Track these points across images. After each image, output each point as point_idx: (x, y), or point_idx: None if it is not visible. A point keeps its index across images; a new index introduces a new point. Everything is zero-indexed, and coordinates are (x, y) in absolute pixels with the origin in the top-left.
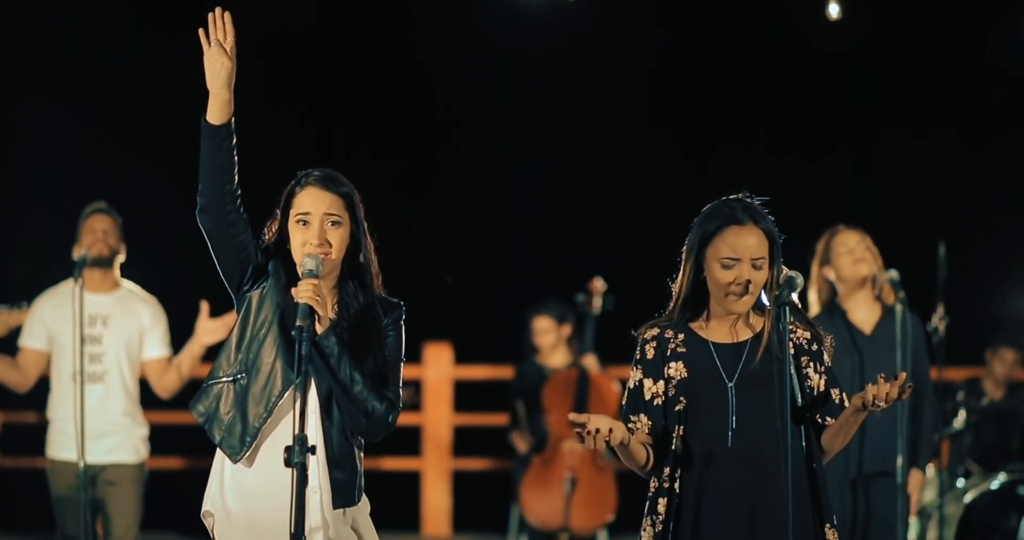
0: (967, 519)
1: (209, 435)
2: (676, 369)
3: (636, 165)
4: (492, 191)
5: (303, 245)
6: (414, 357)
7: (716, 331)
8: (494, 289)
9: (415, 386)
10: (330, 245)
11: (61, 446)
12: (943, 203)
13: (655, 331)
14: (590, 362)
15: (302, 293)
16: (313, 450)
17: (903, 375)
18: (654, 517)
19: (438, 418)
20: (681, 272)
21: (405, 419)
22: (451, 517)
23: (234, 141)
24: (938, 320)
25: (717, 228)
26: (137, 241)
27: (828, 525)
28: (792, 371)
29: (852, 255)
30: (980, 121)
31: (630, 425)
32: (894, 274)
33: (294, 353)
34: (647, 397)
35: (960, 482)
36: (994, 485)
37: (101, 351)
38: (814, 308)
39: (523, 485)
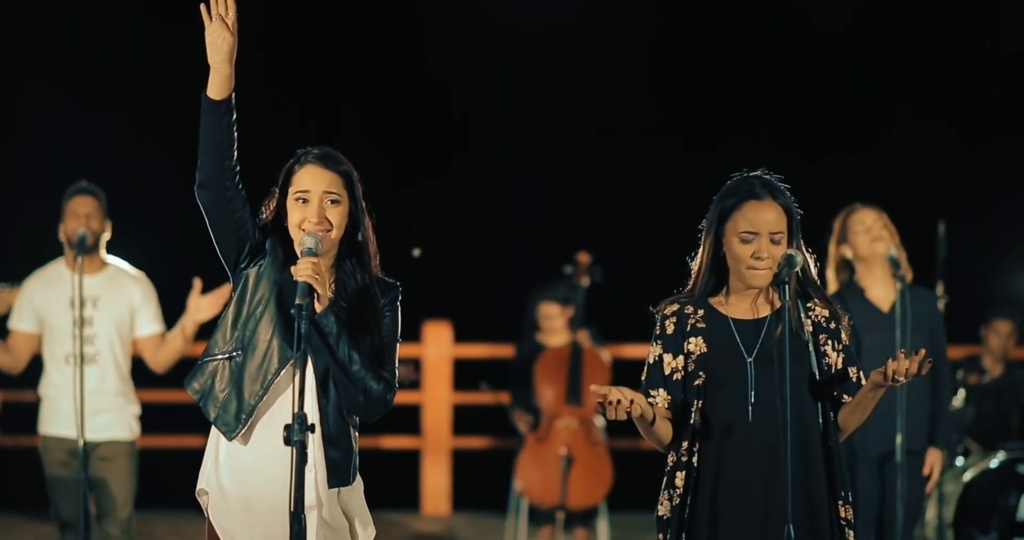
0: (966, 497)
1: (204, 412)
2: (696, 344)
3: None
4: (491, 169)
5: (302, 223)
6: (414, 336)
7: (736, 307)
8: (493, 267)
9: (414, 364)
10: (329, 223)
11: (53, 422)
12: (942, 182)
13: (675, 307)
14: (582, 337)
15: (301, 271)
16: (313, 428)
17: (923, 351)
18: (672, 490)
19: (437, 397)
20: (701, 248)
21: (404, 398)
22: (450, 496)
23: (234, 116)
24: (938, 298)
25: (736, 203)
26: (134, 217)
27: (841, 501)
28: (810, 348)
29: (869, 234)
30: (979, 102)
31: (649, 400)
32: (893, 252)
33: (292, 331)
34: (667, 372)
35: (959, 460)
36: (993, 463)
37: (93, 333)
38: (831, 286)
39: (518, 464)
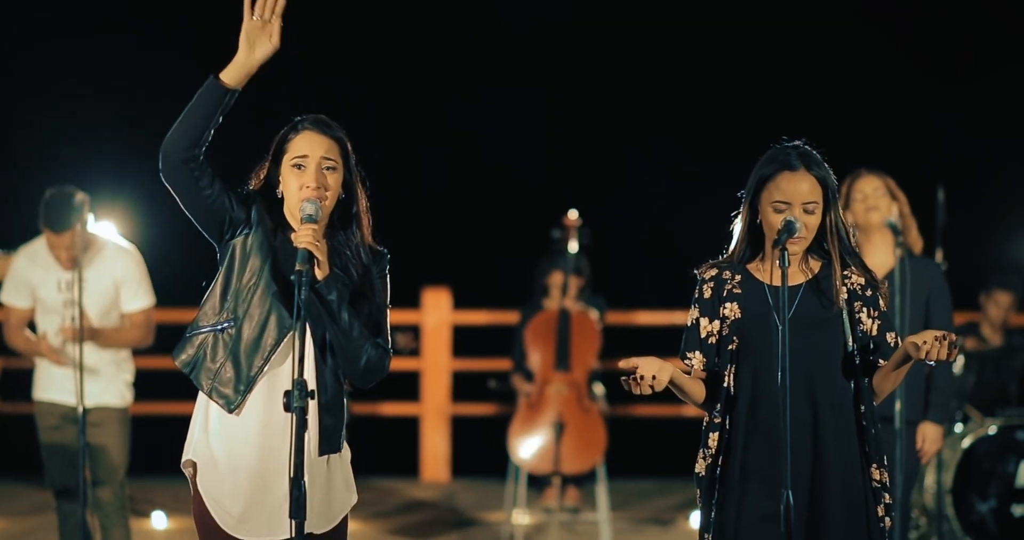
0: (965, 464)
1: (196, 384)
2: (731, 309)
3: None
4: (490, 136)
5: (300, 189)
6: (413, 302)
7: (772, 274)
8: (492, 234)
9: (414, 331)
10: (326, 189)
11: (46, 388)
12: (941, 148)
13: (714, 272)
14: (570, 301)
15: (302, 238)
16: (313, 395)
17: (952, 336)
18: (705, 450)
19: (437, 364)
20: (741, 215)
21: (404, 365)
22: (450, 462)
23: (229, 107)
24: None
25: (771, 173)
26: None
27: (875, 465)
28: (844, 316)
29: (865, 203)
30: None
31: (687, 361)
32: (892, 218)
33: (290, 299)
34: (702, 335)
35: (958, 427)
36: (992, 430)
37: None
38: None
39: (511, 430)
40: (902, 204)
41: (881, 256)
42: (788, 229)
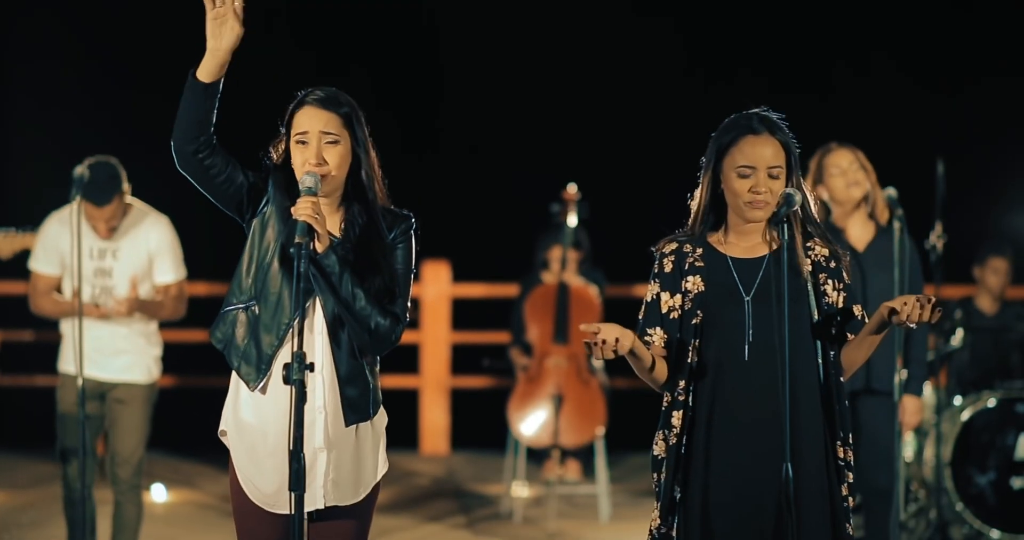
0: (964, 437)
1: (228, 361)
2: (694, 283)
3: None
4: (489, 108)
5: (303, 164)
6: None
7: (734, 246)
8: (492, 206)
9: (413, 304)
10: (327, 164)
11: (71, 361)
12: (941, 120)
13: (673, 245)
14: (569, 274)
15: (300, 210)
16: (312, 367)
17: (933, 297)
18: (667, 430)
19: (436, 336)
20: (700, 186)
21: (403, 337)
22: (449, 435)
23: (218, 97)
24: (936, 238)
25: (733, 139)
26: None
27: (840, 442)
28: (809, 287)
29: (845, 178)
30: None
31: (646, 338)
32: (892, 192)
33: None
34: (664, 310)
35: (957, 400)
36: (991, 403)
37: (112, 284)
38: None
39: (511, 404)
40: (870, 174)
41: (860, 229)
42: (788, 202)
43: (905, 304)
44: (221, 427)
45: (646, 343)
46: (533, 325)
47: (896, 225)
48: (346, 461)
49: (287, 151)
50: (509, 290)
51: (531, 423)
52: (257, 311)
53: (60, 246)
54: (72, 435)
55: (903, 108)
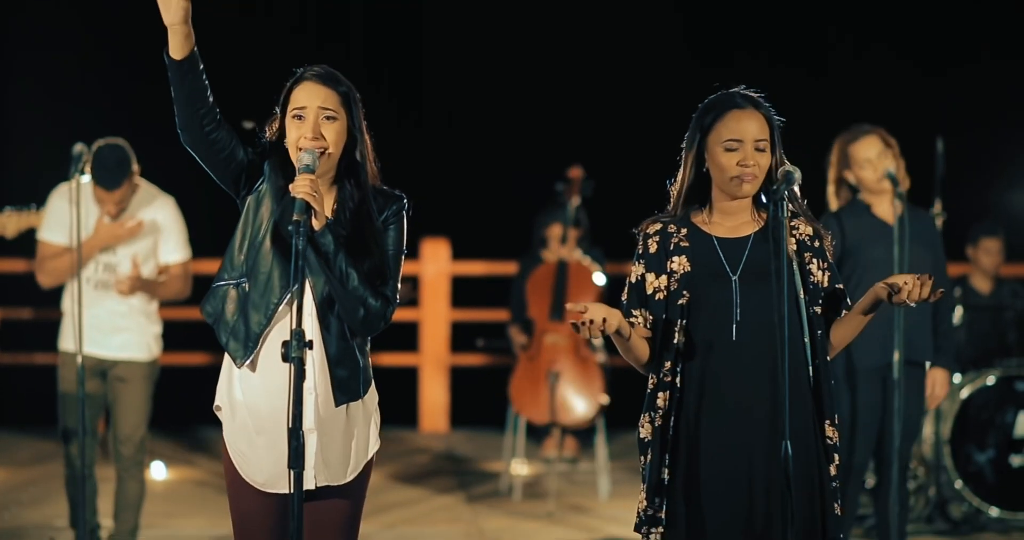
0: (963, 414)
1: (217, 336)
2: (679, 263)
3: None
4: (489, 85)
5: (298, 140)
6: (412, 253)
7: (719, 226)
8: (491, 184)
9: (412, 282)
10: (324, 139)
11: (71, 338)
12: (940, 99)
13: (657, 226)
14: (569, 252)
15: (299, 188)
16: (310, 345)
17: (929, 277)
18: (653, 412)
19: (436, 314)
20: (682, 167)
21: (403, 315)
22: (449, 413)
23: (200, 67)
24: (935, 216)
25: (718, 115)
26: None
27: (828, 422)
28: (795, 267)
29: (876, 171)
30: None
31: (631, 319)
32: (891, 169)
33: (290, 250)
34: (649, 291)
35: (956, 378)
36: (990, 381)
37: (116, 261)
38: (832, 205)
39: (512, 382)
40: (894, 149)
41: (888, 205)
42: (788, 180)
43: (905, 283)
44: (216, 402)
45: (631, 324)
46: (534, 303)
47: (897, 203)
48: (336, 441)
49: (281, 130)
50: (508, 268)
51: (530, 400)
52: (247, 288)
53: (65, 218)
54: (74, 414)
55: (902, 87)
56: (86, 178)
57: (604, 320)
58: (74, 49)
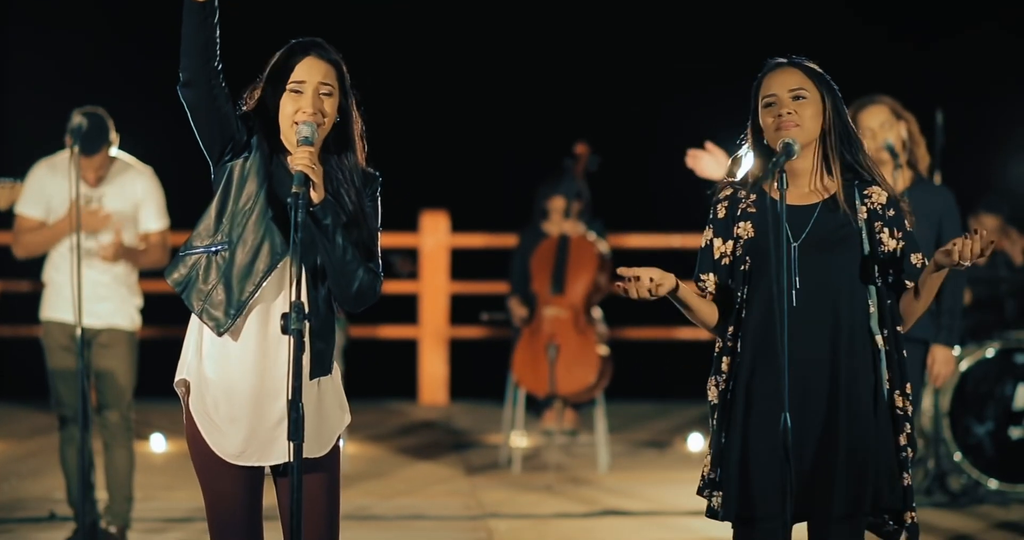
0: (962, 387)
1: (187, 304)
2: (744, 229)
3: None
4: (490, 57)
5: (295, 113)
6: (411, 225)
7: (788, 193)
8: (491, 156)
9: (412, 255)
10: (323, 115)
11: (55, 307)
12: (939, 71)
13: (729, 191)
14: (568, 227)
15: (299, 160)
16: (310, 318)
17: (984, 232)
18: (718, 376)
19: (435, 287)
20: (747, 138)
21: (402, 288)
22: (448, 385)
23: (217, 16)
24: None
25: (759, 82)
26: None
27: (898, 392)
28: (864, 236)
29: (875, 141)
30: None
31: (700, 284)
32: (890, 140)
33: (283, 225)
34: (716, 256)
35: (956, 350)
36: (989, 353)
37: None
38: None
39: (515, 355)
40: (910, 123)
41: (890, 177)
42: (786, 151)
43: (955, 244)
44: (180, 376)
45: (701, 288)
46: (536, 277)
47: (897, 175)
48: (311, 414)
49: (264, 99)
50: (508, 240)
51: (530, 372)
52: (228, 257)
53: (46, 191)
54: (65, 385)
55: (901, 58)
56: (63, 151)
57: (652, 280)
58: (72, 24)
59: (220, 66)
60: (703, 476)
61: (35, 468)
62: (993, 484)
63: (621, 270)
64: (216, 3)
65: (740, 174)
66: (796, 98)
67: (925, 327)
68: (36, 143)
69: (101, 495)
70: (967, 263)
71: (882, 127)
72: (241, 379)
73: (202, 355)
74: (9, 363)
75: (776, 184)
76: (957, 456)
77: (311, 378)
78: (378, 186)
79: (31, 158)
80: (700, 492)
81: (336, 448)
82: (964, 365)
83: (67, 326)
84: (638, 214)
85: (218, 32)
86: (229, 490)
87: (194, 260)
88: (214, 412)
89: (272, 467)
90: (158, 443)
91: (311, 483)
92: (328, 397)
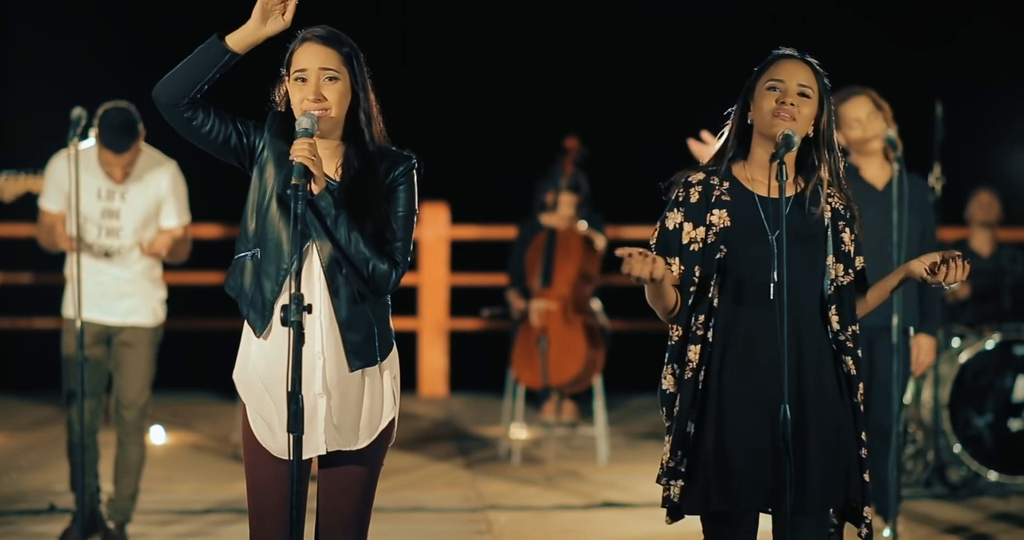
0: (962, 379)
1: (240, 310)
2: (719, 217)
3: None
4: (489, 49)
5: (301, 102)
6: None
7: (761, 184)
8: (490, 148)
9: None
10: (327, 100)
11: (75, 305)
12: (940, 62)
13: (701, 176)
14: (556, 219)
15: (297, 152)
16: (309, 309)
17: (958, 253)
18: (678, 365)
19: (434, 278)
20: (731, 119)
21: (402, 279)
22: (447, 377)
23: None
24: (934, 180)
25: (766, 65)
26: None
27: (859, 388)
28: (828, 233)
29: (864, 132)
30: None
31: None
32: (891, 133)
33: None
34: (684, 241)
35: (955, 342)
36: (989, 345)
37: (119, 226)
38: None
39: (514, 349)
40: (886, 112)
41: (877, 169)
42: (786, 143)
43: (936, 263)
44: (235, 375)
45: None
46: (529, 271)
47: (895, 167)
48: (350, 406)
49: (287, 91)
50: (507, 232)
51: (527, 366)
52: (260, 258)
53: (64, 184)
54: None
55: (900, 50)
56: (86, 143)
57: (648, 257)
58: (74, 16)
59: (195, 103)
60: (662, 464)
61: (35, 461)
62: (993, 476)
63: (620, 251)
64: (234, 62)
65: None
66: (801, 94)
67: (911, 317)
68: (36, 137)
69: (106, 487)
70: (954, 286)
71: (869, 117)
72: (275, 375)
73: (250, 353)
74: (9, 355)
75: (775, 174)
76: (957, 448)
77: (351, 370)
78: (411, 166)
79: (31, 152)
80: (659, 480)
81: (381, 440)
82: (964, 357)
83: (89, 325)
84: (637, 206)
85: (208, 85)
86: (268, 481)
87: (240, 264)
88: (259, 407)
89: (318, 459)
90: (158, 435)
91: (347, 475)
92: (375, 387)
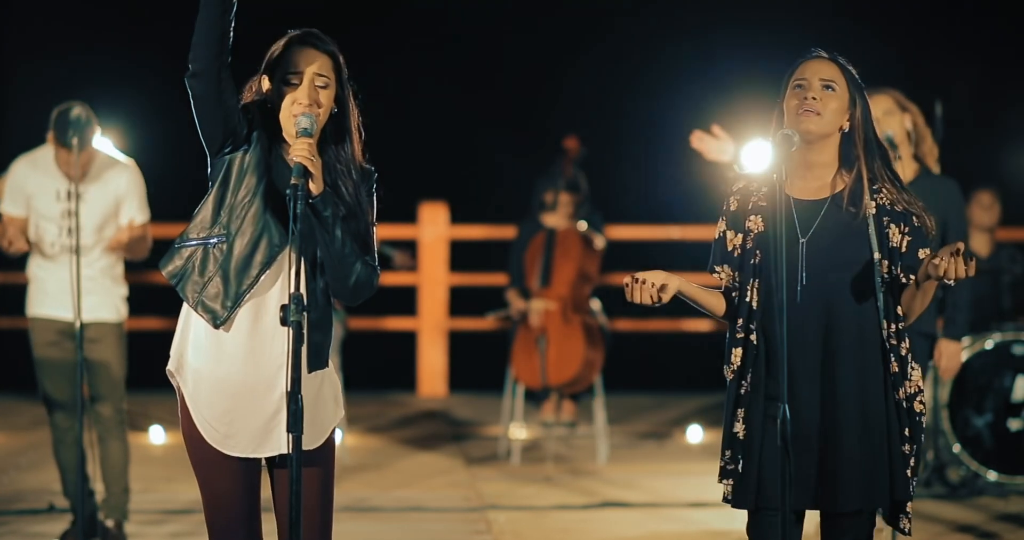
0: (962, 379)
1: (182, 296)
2: (755, 222)
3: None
4: (489, 49)
5: (292, 104)
6: (410, 217)
7: (799, 187)
8: (490, 148)
9: (411, 247)
10: (319, 106)
11: (40, 303)
12: (939, 62)
13: (742, 183)
14: (555, 219)
15: (297, 152)
16: (308, 309)
17: (961, 245)
18: (728, 366)
19: (434, 278)
20: (772, 125)
21: (401, 279)
22: (447, 377)
23: (234, 10)
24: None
25: (794, 68)
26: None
27: (904, 385)
28: (871, 230)
29: (878, 128)
30: None
31: (715, 275)
32: (890, 133)
33: (284, 217)
34: (729, 248)
35: (965, 342)
36: (989, 345)
37: (79, 225)
38: None
39: (513, 349)
40: (915, 115)
41: (899, 169)
42: (788, 142)
43: (942, 260)
44: (171, 366)
45: (718, 281)
46: (529, 271)
47: (914, 165)
48: (308, 406)
49: (260, 91)
50: (507, 232)
51: (526, 367)
52: (226, 249)
53: (26, 188)
54: (52, 380)
55: (902, 48)
56: (42, 146)
57: (654, 285)
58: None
59: (230, 59)
60: (721, 465)
61: (34, 460)
62: (992, 476)
63: (625, 279)
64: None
65: (750, 164)
66: (825, 88)
67: (931, 321)
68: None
69: (98, 487)
70: (951, 283)
71: (885, 116)
72: (235, 371)
73: (194, 347)
74: (7, 355)
75: (798, 169)
76: (956, 448)
77: (309, 371)
78: (374, 181)
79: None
80: (720, 480)
81: (330, 442)
82: (963, 356)
83: (53, 322)
84: (637, 206)
85: (233, 25)
86: (226, 482)
87: (190, 252)
88: (207, 405)
89: (267, 459)
90: (157, 435)
91: (307, 475)
92: (324, 390)
